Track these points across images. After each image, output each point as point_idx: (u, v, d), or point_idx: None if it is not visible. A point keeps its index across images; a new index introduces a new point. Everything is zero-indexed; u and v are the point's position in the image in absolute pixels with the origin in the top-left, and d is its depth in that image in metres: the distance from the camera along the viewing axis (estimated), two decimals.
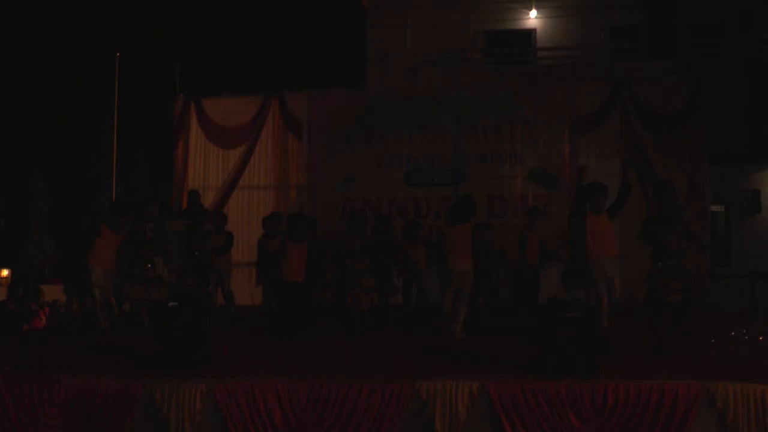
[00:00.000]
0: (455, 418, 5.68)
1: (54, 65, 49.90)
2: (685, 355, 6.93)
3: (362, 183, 12.50)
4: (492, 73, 15.30)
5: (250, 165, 12.88)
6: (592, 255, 7.87)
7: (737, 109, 14.14)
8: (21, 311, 13.03)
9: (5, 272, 26.16)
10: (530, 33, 16.83)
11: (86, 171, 34.48)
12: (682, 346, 7.29)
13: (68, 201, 33.33)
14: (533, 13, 16.55)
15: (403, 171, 12.52)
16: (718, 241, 14.11)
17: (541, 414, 5.61)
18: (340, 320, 9.12)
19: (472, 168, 12.32)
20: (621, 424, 5.56)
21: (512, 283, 9.71)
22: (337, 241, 9.25)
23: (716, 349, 7.33)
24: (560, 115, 12.24)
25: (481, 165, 12.33)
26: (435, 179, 12.44)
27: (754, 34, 15.36)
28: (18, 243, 32.75)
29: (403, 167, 12.53)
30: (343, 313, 8.85)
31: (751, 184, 14.61)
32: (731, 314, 10.46)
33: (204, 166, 13.02)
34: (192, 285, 9.37)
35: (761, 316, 11.07)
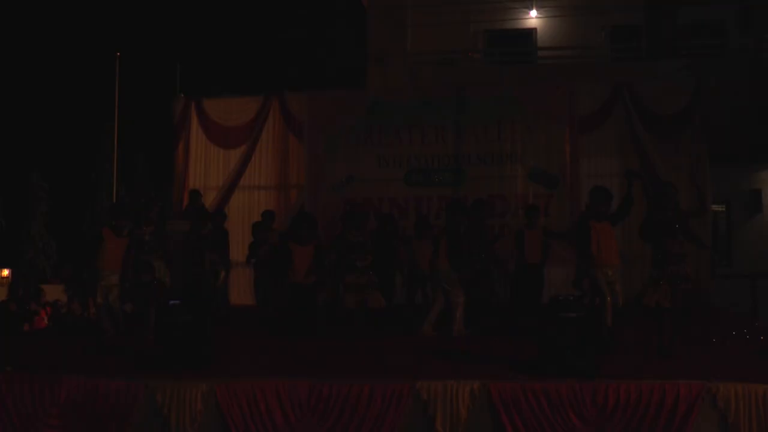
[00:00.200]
0: (456, 419, 5.68)
1: (54, 65, 49.91)
2: (686, 356, 6.92)
3: (362, 183, 12.49)
4: (492, 72, 15.30)
5: (250, 165, 12.88)
6: (595, 261, 7.81)
7: (738, 109, 14.14)
8: (21, 311, 13.04)
9: (6, 272, 26.17)
10: (531, 33, 16.82)
11: (87, 171, 34.51)
12: (683, 347, 7.29)
13: (69, 201, 33.36)
14: (534, 13, 16.54)
15: (404, 171, 12.51)
16: (719, 241, 14.10)
17: (543, 414, 5.60)
18: (338, 319, 9.13)
19: (472, 168, 12.31)
20: (622, 425, 5.56)
21: (512, 282, 9.71)
22: (337, 237, 9.23)
23: (717, 349, 7.33)
24: (561, 115, 12.23)
25: (481, 165, 12.31)
26: (435, 179, 12.43)
27: (755, 34, 15.35)
28: (18, 243, 32.77)
29: (404, 167, 12.52)
30: (341, 312, 8.86)
31: (752, 184, 14.61)
32: (732, 314, 10.45)
33: (204, 166, 13.02)
34: (196, 285, 9.37)
35: (762, 316, 11.08)
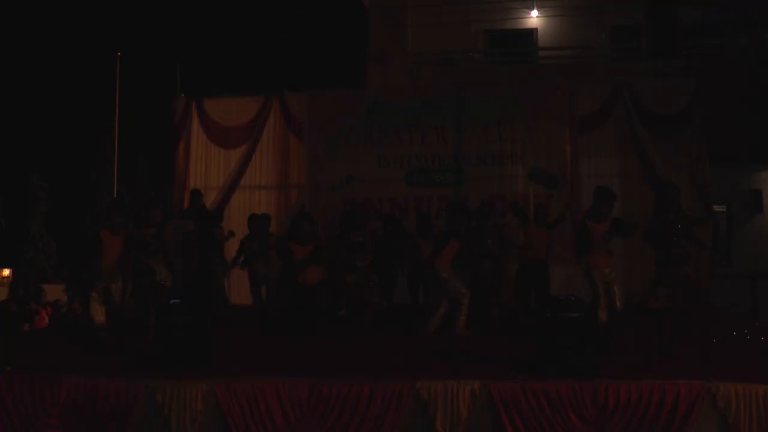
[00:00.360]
0: (456, 419, 5.68)
1: (55, 66, 49.92)
2: (686, 356, 6.92)
3: (363, 183, 12.49)
4: (492, 72, 15.30)
5: (251, 165, 12.88)
6: (590, 263, 7.83)
7: (738, 109, 14.13)
8: (22, 311, 13.04)
9: (6, 272, 26.20)
10: (531, 33, 16.83)
11: (87, 171, 34.53)
12: (683, 347, 7.29)
13: (69, 201, 33.37)
14: (534, 13, 16.55)
15: (404, 171, 12.51)
16: (719, 241, 14.09)
17: (543, 414, 5.60)
18: (338, 319, 9.14)
19: (472, 168, 12.31)
20: (622, 425, 5.56)
21: (520, 279, 9.63)
22: (336, 237, 9.23)
23: (717, 349, 7.33)
24: (561, 115, 12.22)
25: (481, 165, 12.31)
26: (436, 179, 12.43)
27: (755, 33, 15.35)
28: (19, 243, 32.79)
29: (404, 167, 12.52)
30: (341, 312, 8.87)
31: (753, 184, 14.61)
32: (732, 314, 10.45)
33: (205, 166, 13.02)
34: (196, 284, 9.36)
35: (762, 316, 11.07)
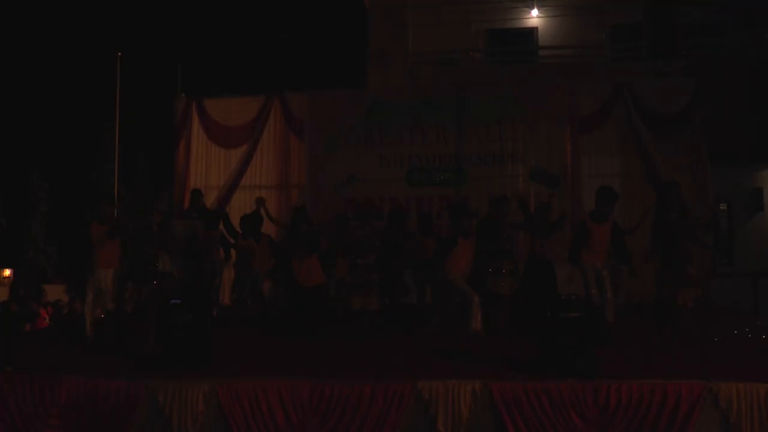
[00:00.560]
0: (458, 419, 5.68)
1: (55, 66, 49.93)
2: (687, 355, 6.93)
3: (363, 183, 12.49)
4: (493, 72, 15.28)
5: (251, 165, 12.89)
6: (583, 260, 7.88)
7: (739, 108, 14.13)
8: (23, 311, 13.05)
9: (7, 272, 26.21)
10: (531, 32, 16.81)
11: (88, 171, 34.50)
12: (684, 346, 7.30)
13: (69, 202, 33.33)
14: (534, 13, 16.53)
15: (405, 171, 12.52)
16: (721, 240, 14.09)
17: (544, 414, 5.60)
18: (338, 319, 9.13)
19: (473, 168, 12.31)
20: (624, 424, 5.56)
21: (525, 278, 9.58)
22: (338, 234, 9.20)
23: (718, 349, 7.33)
24: (561, 114, 12.24)
25: (482, 164, 12.32)
26: (436, 179, 12.43)
27: (755, 33, 15.34)
28: (19, 243, 32.77)
29: (405, 167, 12.53)
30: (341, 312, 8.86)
31: (754, 183, 14.60)
32: (733, 313, 10.45)
33: (205, 166, 13.03)
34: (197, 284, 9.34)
35: (763, 315, 11.07)
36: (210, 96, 13.31)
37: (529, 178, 12.19)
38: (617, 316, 8.11)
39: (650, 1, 15.74)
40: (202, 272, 9.58)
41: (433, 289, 10.13)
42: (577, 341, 6.02)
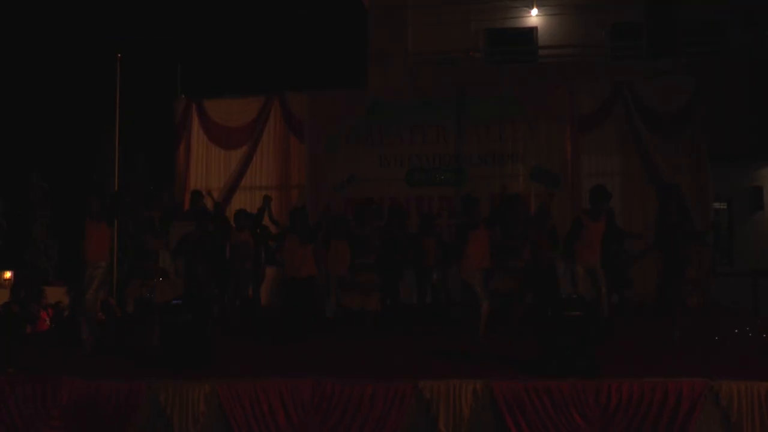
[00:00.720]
0: (459, 418, 5.68)
1: (55, 66, 49.94)
2: (688, 354, 6.93)
3: (364, 183, 12.50)
4: (493, 72, 15.27)
5: (251, 165, 12.89)
6: (579, 258, 7.93)
7: (739, 107, 14.12)
8: (24, 313, 13.04)
9: (8, 274, 26.21)
10: (531, 31, 16.80)
11: (88, 173, 34.51)
12: (685, 345, 7.31)
13: (70, 202, 33.35)
14: (534, 12, 16.52)
15: (405, 170, 12.52)
16: (721, 239, 14.09)
17: (545, 413, 5.61)
18: (339, 319, 9.12)
19: (473, 167, 12.32)
20: (625, 423, 5.56)
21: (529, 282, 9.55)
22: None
23: (719, 348, 7.34)
24: (561, 113, 12.24)
25: (482, 164, 12.33)
26: (436, 179, 12.44)
27: (755, 31, 15.33)
28: (20, 245, 32.78)
29: (405, 167, 12.53)
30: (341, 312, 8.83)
31: (753, 182, 14.59)
32: (734, 312, 10.46)
33: (206, 166, 13.03)
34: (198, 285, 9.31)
35: (763, 314, 11.07)
36: (210, 96, 13.31)
37: (529, 178, 12.20)
38: (617, 316, 8.16)
39: (650, 0, 15.75)
40: (201, 273, 9.56)
41: (432, 289, 10.14)
42: (577, 340, 6.03)
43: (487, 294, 7.97)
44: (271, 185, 12.86)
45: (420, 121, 12.51)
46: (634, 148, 12.00)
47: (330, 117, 12.73)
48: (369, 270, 8.63)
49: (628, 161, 12.08)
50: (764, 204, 14.49)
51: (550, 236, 9.33)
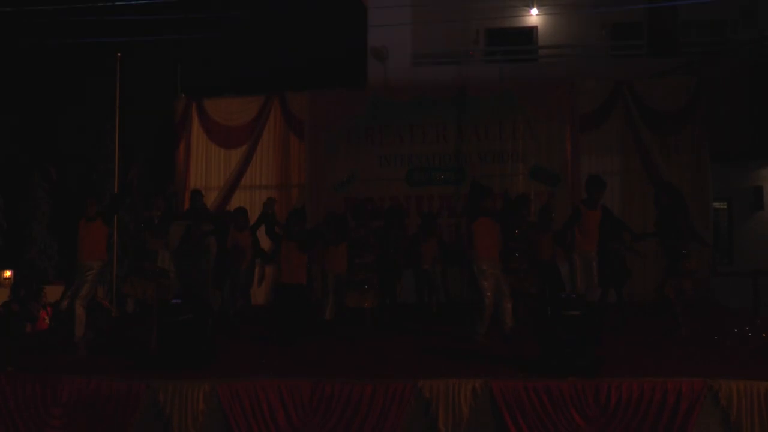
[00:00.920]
0: (458, 417, 5.67)
1: (55, 66, 49.93)
2: (687, 353, 6.93)
3: (364, 182, 12.50)
4: (493, 71, 15.25)
5: (251, 165, 12.88)
6: (578, 247, 8.09)
7: (739, 107, 14.09)
8: (23, 312, 13.05)
9: (8, 273, 26.21)
10: (531, 31, 16.79)
11: (88, 172, 34.51)
12: (685, 345, 7.32)
13: (70, 202, 33.33)
14: (534, 11, 16.50)
15: (405, 170, 12.52)
16: (721, 239, 14.08)
17: (545, 412, 5.60)
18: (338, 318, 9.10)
19: (473, 166, 12.30)
20: (624, 422, 5.56)
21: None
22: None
23: (718, 347, 7.34)
24: (561, 113, 12.23)
25: (482, 163, 12.32)
26: (436, 178, 12.43)
27: (756, 31, 15.32)
28: (20, 244, 32.79)
29: (405, 166, 12.53)
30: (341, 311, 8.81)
31: (754, 181, 14.57)
32: (734, 311, 10.45)
33: (206, 166, 13.02)
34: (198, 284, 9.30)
35: (763, 314, 11.06)
36: (210, 96, 13.30)
37: (529, 177, 12.19)
38: (615, 314, 8.23)
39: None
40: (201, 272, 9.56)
41: (429, 289, 10.13)
42: (577, 340, 6.02)
43: (491, 290, 7.67)
44: (271, 185, 12.86)
45: (420, 121, 12.50)
46: (634, 147, 12.00)
47: (330, 116, 12.72)
48: (367, 269, 8.62)
49: (628, 161, 12.08)
50: (764, 204, 14.47)
51: (554, 235, 9.33)
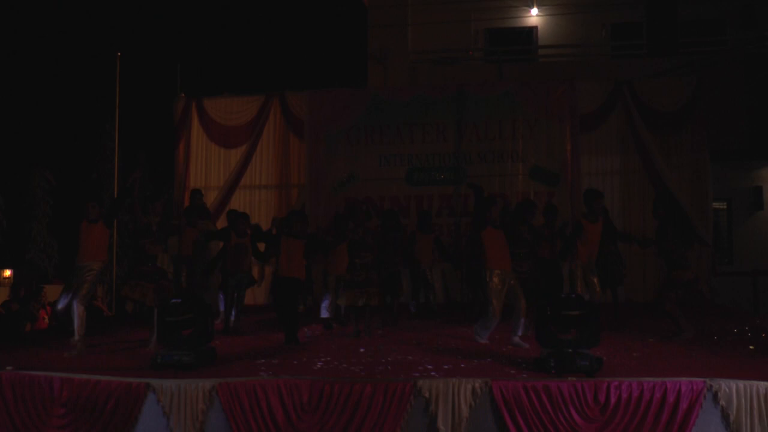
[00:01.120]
0: (458, 417, 5.67)
1: (55, 66, 49.95)
2: (687, 353, 6.93)
3: (363, 182, 12.52)
4: (493, 71, 15.29)
5: (251, 164, 12.90)
6: (579, 258, 8.17)
7: (739, 106, 14.11)
8: (23, 312, 13.05)
9: (7, 273, 26.23)
10: (531, 31, 16.82)
11: (88, 172, 34.54)
12: (684, 345, 7.32)
13: (70, 202, 33.38)
14: (534, 11, 16.53)
15: (405, 170, 12.53)
16: (721, 239, 14.10)
17: (544, 412, 5.60)
18: (337, 318, 9.11)
19: (473, 166, 12.33)
20: (624, 422, 5.55)
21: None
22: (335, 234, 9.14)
23: (718, 347, 7.35)
24: (561, 113, 12.25)
25: (482, 163, 12.34)
26: (436, 177, 12.44)
27: (755, 30, 15.33)
28: (20, 244, 32.81)
29: (405, 166, 12.54)
30: (340, 311, 8.80)
31: (754, 181, 14.61)
32: (733, 311, 10.46)
33: (205, 165, 13.04)
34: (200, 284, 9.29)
35: (763, 313, 11.08)
36: (210, 96, 13.32)
37: (529, 177, 12.21)
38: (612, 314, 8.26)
39: None
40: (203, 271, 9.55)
41: (425, 289, 10.13)
42: (577, 339, 6.03)
43: (499, 300, 7.57)
44: (271, 184, 12.89)
45: (420, 120, 12.52)
46: (634, 147, 12.02)
47: (330, 116, 12.74)
48: (368, 269, 8.61)
49: (627, 161, 12.09)
50: (764, 204, 14.50)
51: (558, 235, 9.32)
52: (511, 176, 12.27)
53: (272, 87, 14.38)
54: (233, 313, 9.05)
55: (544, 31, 16.68)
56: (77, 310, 7.57)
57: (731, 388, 5.55)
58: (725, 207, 14.68)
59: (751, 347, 7.25)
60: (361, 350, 7.45)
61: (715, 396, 5.56)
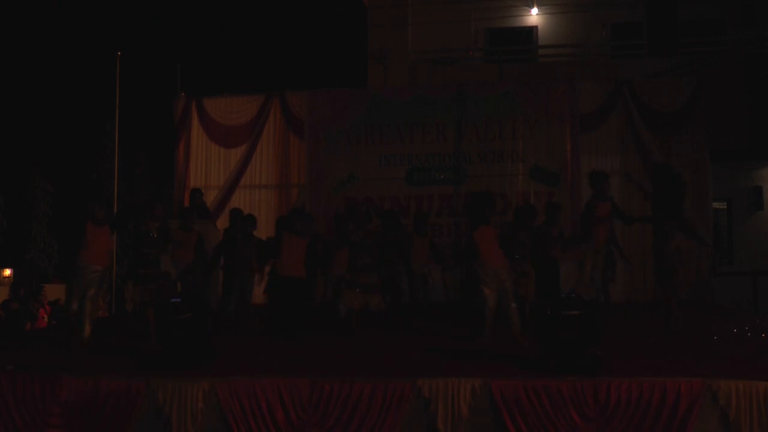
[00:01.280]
0: (458, 417, 5.67)
1: (56, 66, 49.95)
2: (686, 353, 6.93)
3: (363, 182, 12.49)
4: (493, 71, 15.28)
5: (251, 164, 12.88)
6: (594, 239, 8.28)
7: (739, 106, 14.11)
8: (23, 311, 13.07)
9: (7, 272, 26.27)
10: (531, 30, 16.81)
11: (88, 171, 34.58)
12: (684, 344, 7.32)
13: (70, 202, 33.42)
14: (534, 11, 16.53)
15: (405, 170, 12.52)
16: (721, 239, 14.09)
17: (544, 412, 5.60)
18: (336, 319, 9.10)
19: (473, 166, 12.31)
20: (623, 422, 5.56)
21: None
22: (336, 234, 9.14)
23: (718, 347, 7.35)
24: (561, 113, 12.23)
25: (482, 163, 12.32)
26: (436, 178, 12.43)
27: (755, 30, 15.33)
28: (20, 243, 32.85)
29: (405, 166, 12.53)
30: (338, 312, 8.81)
31: (754, 181, 14.61)
32: (733, 311, 10.45)
33: (205, 165, 13.02)
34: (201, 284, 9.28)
35: (763, 313, 11.07)
36: (210, 95, 13.31)
37: (529, 177, 12.19)
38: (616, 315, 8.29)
39: None
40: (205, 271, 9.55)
41: (423, 290, 10.12)
42: (577, 339, 6.02)
43: (492, 297, 7.63)
44: (271, 184, 12.87)
45: (420, 120, 12.50)
46: (634, 147, 11.99)
47: (330, 116, 12.72)
48: (368, 270, 8.61)
49: (628, 160, 12.07)
50: (764, 204, 14.49)
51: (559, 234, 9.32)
52: (511, 176, 12.25)
53: (272, 87, 14.41)
54: (233, 312, 9.06)
55: (544, 31, 16.68)
56: (87, 308, 7.64)
57: (730, 388, 5.56)
58: (725, 207, 14.67)
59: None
60: (361, 350, 7.45)
61: (714, 396, 5.56)
